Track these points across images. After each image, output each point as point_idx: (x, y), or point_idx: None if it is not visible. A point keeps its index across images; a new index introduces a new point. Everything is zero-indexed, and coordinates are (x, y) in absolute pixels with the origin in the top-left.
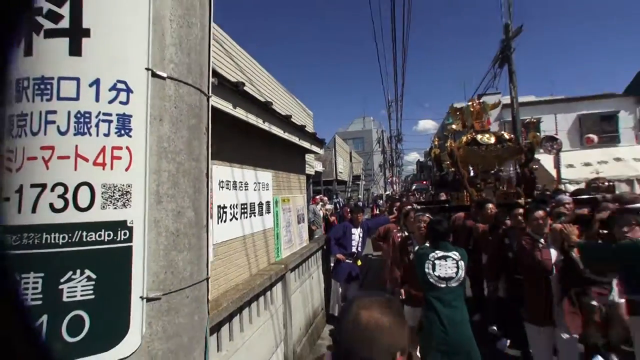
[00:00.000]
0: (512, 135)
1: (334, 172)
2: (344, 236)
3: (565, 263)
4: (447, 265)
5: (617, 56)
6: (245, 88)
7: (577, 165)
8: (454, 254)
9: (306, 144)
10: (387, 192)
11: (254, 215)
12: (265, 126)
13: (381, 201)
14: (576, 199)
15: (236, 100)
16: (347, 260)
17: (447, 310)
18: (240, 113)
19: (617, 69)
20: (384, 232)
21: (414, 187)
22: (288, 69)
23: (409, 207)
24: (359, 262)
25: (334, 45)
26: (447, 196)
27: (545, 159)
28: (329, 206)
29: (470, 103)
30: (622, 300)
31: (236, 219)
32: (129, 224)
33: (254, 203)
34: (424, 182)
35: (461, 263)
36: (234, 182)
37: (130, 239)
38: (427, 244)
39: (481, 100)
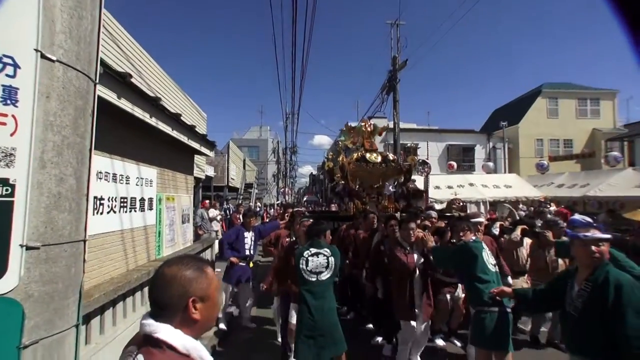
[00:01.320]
0: (395, 157)
1: (225, 178)
2: (237, 240)
3: (424, 265)
4: (319, 261)
5: (482, 97)
6: (132, 80)
7: (442, 187)
8: (325, 251)
9: (196, 145)
10: (279, 202)
11: (135, 210)
12: (152, 122)
13: (272, 210)
14: (440, 215)
15: (121, 91)
16: (240, 263)
17: (317, 301)
18: (125, 105)
19: (479, 108)
20: (275, 238)
21: (305, 198)
22: (181, 68)
23: (296, 210)
24: (252, 264)
25: (237, 53)
26: (338, 207)
27: (418, 180)
28: (214, 212)
29: (363, 123)
30: (463, 295)
31: (114, 212)
32: (11, 182)
33: (135, 198)
34: (315, 194)
35: (332, 259)
36: (114, 174)
37: (12, 195)
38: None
39: (372, 123)
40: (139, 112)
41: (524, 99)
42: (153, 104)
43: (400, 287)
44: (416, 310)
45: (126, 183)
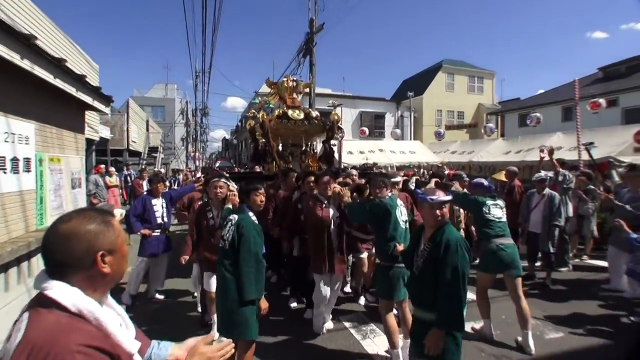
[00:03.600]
0: (318, 114)
1: (125, 141)
2: (145, 210)
3: (340, 219)
4: (227, 227)
5: (394, 65)
6: None
7: (354, 152)
8: (233, 217)
9: (87, 99)
10: (190, 168)
11: (4, 172)
12: (26, 65)
13: (181, 175)
14: (361, 173)
15: None
16: (154, 233)
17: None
18: None
19: (391, 77)
20: (188, 201)
21: (218, 164)
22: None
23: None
24: (167, 232)
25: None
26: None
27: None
28: (110, 179)
29: (285, 79)
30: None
31: None
32: None
33: (4, 158)
34: (229, 159)
35: (232, 228)
36: None
37: None
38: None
39: (295, 79)
40: (3, 51)
41: (428, 72)
42: (24, 42)
43: (316, 241)
44: (332, 264)
45: None
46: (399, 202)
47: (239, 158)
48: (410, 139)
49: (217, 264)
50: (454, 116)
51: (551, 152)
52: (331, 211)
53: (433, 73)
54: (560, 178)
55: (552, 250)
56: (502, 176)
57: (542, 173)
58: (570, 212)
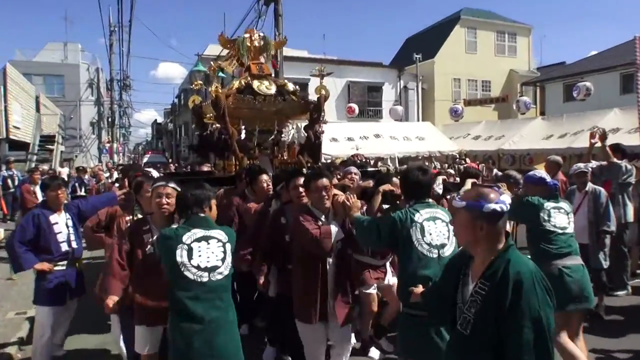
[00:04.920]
0: (297, 88)
1: (2, 127)
2: (41, 233)
3: (344, 244)
4: (210, 250)
5: (395, 18)
6: None
7: (340, 139)
8: (219, 234)
9: None
10: (100, 165)
11: None
12: None
13: (88, 177)
14: (362, 171)
15: None
16: (57, 268)
17: (212, 312)
18: None
19: (390, 37)
20: (107, 218)
21: (146, 159)
22: None
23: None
24: (79, 265)
25: None
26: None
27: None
28: None
29: (247, 35)
30: (396, 280)
31: None
32: None
33: None
34: (163, 153)
35: (228, 246)
36: None
37: None
38: (176, 225)
39: (263, 35)
40: None
41: (441, 26)
42: None
43: (306, 275)
44: (325, 311)
45: None
46: (427, 213)
47: (177, 150)
48: (418, 120)
49: (208, 303)
50: (477, 87)
51: (603, 136)
52: (332, 231)
53: (448, 28)
54: (618, 171)
55: (604, 266)
56: (541, 169)
57: (593, 164)
58: (630, 216)
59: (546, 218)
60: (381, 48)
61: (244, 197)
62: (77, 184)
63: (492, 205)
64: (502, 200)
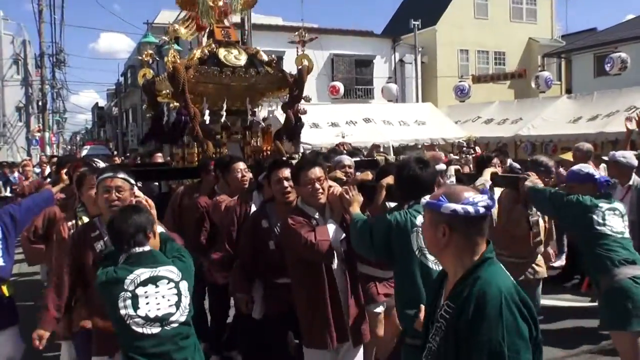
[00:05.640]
0: (273, 57)
1: None
2: None
3: (349, 245)
4: (160, 294)
5: None
6: None
7: (322, 125)
8: (170, 271)
9: None
10: (39, 158)
11: None
12: None
13: (16, 173)
14: (356, 161)
15: None
16: None
17: None
18: None
19: (382, 3)
20: (44, 224)
21: (85, 151)
22: None
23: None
24: (6, 289)
25: None
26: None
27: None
28: None
29: None
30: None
31: None
32: None
33: None
34: (106, 144)
35: (184, 285)
36: None
37: None
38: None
39: None
40: None
41: None
42: None
43: (311, 291)
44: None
45: None
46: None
47: (123, 140)
48: (416, 101)
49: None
50: (489, 60)
51: None
52: (330, 232)
53: None
54: None
55: None
56: (569, 157)
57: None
58: None
59: (601, 221)
60: (372, 14)
61: (212, 193)
62: (0, 183)
63: (452, 206)
64: (474, 201)
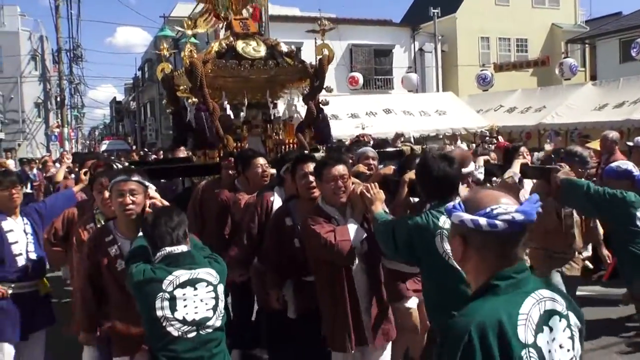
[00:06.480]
0: (293, 48)
1: None
2: None
3: (372, 244)
4: (199, 297)
5: None
6: None
7: (341, 116)
8: (209, 273)
9: None
10: (60, 154)
11: None
12: None
13: (35, 170)
14: (381, 152)
15: None
16: (12, 291)
17: None
18: None
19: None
20: (64, 225)
21: (104, 146)
22: None
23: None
24: (45, 287)
25: None
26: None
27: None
28: None
29: None
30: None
31: None
32: None
33: None
34: (125, 139)
35: (220, 289)
36: None
37: None
38: (140, 243)
39: None
40: None
41: None
42: None
43: (332, 292)
44: (366, 333)
45: None
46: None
47: (142, 135)
48: (437, 90)
49: None
50: (511, 48)
51: None
52: (351, 232)
53: None
54: None
55: None
56: (596, 146)
57: None
58: None
59: None
60: (390, 3)
61: (234, 191)
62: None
63: (462, 216)
64: (492, 212)
